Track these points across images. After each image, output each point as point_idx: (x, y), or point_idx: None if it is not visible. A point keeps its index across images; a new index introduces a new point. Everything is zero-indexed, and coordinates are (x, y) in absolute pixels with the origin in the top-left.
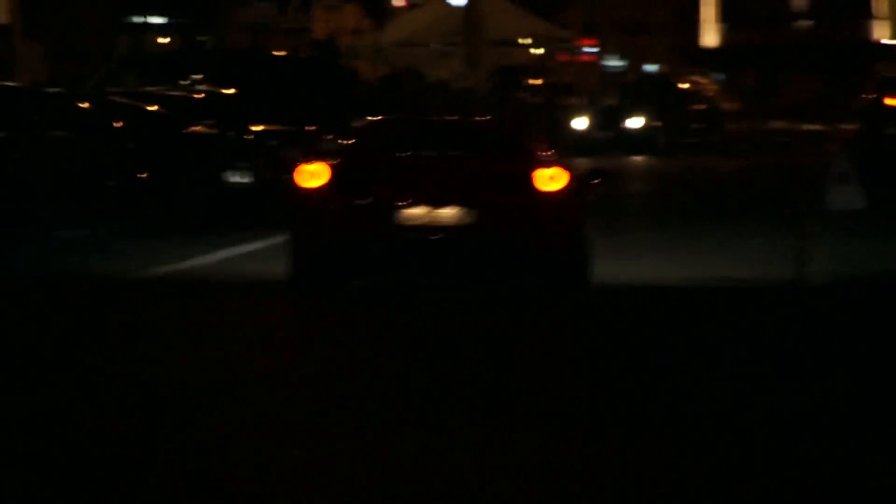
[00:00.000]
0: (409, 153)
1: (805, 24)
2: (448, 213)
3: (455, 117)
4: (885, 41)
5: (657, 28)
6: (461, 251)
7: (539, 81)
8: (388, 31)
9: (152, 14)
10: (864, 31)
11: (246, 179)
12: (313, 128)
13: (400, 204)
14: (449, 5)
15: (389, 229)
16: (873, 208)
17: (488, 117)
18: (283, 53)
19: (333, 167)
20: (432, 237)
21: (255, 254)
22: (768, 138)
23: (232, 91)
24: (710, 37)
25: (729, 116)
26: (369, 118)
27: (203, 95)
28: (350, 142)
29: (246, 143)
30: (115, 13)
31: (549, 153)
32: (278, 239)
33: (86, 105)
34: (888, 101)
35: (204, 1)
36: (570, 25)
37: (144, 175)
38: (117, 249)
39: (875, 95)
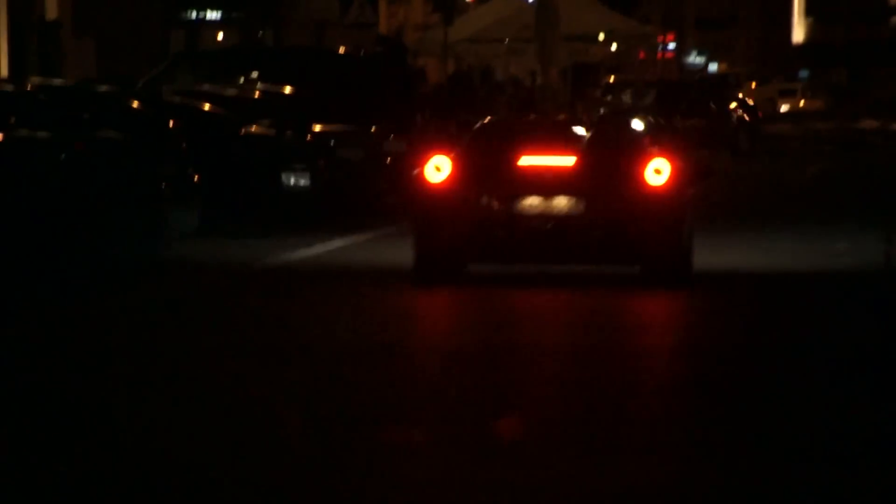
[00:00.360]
0: (523, 149)
1: None
2: (560, 202)
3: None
4: None
5: (742, 23)
6: (572, 239)
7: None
8: (456, 27)
9: (208, 9)
10: None
11: (304, 182)
12: (375, 128)
13: (517, 195)
14: None
15: (508, 218)
16: None
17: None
18: (344, 50)
19: (456, 162)
20: (547, 225)
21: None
22: (856, 137)
23: (290, 90)
24: (797, 32)
25: (812, 116)
26: (485, 121)
27: (260, 94)
28: (470, 139)
29: (305, 143)
30: (169, 8)
31: (660, 147)
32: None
33: (138, 104)
34: None
35: None
36: (651, 20)
37: (198, 178)
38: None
39: None
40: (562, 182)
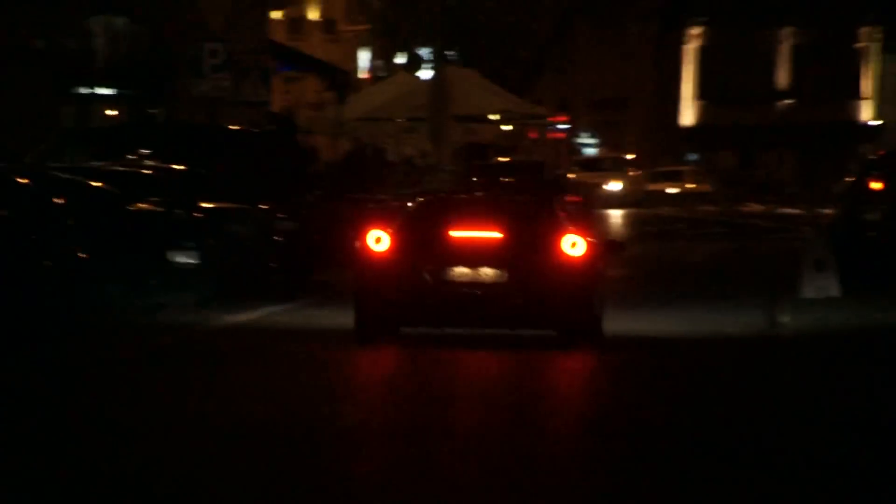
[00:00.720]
0: (454, 223)
1: (787, 103)
2: (486, 272)
3: (490, 195)
4: (871, 122)
5: (633, 105)
6: (496, 305)
7: (507, 159)
8: (350, 106)
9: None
10: (850, 112)
11: (192, 259)
12: (265, 206)
13: (447, 265)
14: (415, 78)
15: (439, 286)
16: (848, 297)
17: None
18: (237, 128)
19: (394, 234)
20: (474, 293)
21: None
22: (742, 221)
23: (180, 167)
24: (687, 115)
25: (698, 198)
26: (421, 198)
27: (150, 171)
28: (407, 214)
29: (194, 221)
30: (60, 83)
31: (573, 222)
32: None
33: (24, 180)
34: (872, 185)
35: (155, 72)
36: (543, 101)
37: (84, 255)
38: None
39: (858, 178)
40: (488, 254)
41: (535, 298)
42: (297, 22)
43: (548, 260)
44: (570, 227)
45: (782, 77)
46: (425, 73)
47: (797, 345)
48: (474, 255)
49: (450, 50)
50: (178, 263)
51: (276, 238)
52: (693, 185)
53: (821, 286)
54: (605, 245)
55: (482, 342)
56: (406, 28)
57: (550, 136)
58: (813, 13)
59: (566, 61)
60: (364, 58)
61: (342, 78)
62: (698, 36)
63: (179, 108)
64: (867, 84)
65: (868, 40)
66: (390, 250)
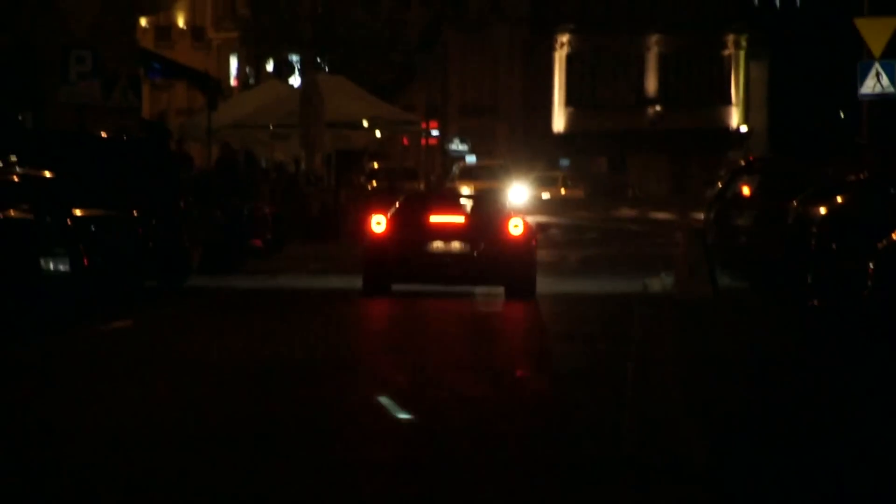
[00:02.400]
0: (432, 211)
1: (656, 109)
2: (455, 245)
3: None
4: (739, 128)
5: (503, 112)
6: (462, 269)
7: (376, 165)
8: (221, 112)
9: None
10: (718, 118)
11: (63, 267)
12: (137, 212)
13: (427, 240)
14: (286, 85)
15: (422, 255)
16: (720, 298)
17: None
18: (106, 135)
19: (389, 219)
20: (447, 260)
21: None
22: (615, 226)
23: (50, 174)
24: (558, 121)
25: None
26: (408, 193)
27: (19, 178)
28: (398, 204)
29: (65, 228)
30: None
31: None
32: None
33: None
34: (741, 190)
35: (23, 78)
36: (415, 108)
37: None
38: None
39: (727, 184)
40: (456, 232)
41: (489, 264)
42: (165, 29)
43: (498, 237)
44: (514, 214)
45: (651, 83)
46: (296, 80)
47: (656, 301)
48: (446, 233)
49: (319, 56)
50: (50, 271)
51: (149, 244)
52: (566, 192)
53: (693, 289)
54: (536, 228)
55: (449, 295)
56: (274, 35)
57: (423, 142)
58: (680, 20)
59: (437, 68)
60: (233, 65)
61: (213, 85)
62: (567, 43)
63: (48, 116)
64: (734, 90)
65: (734, 47)
66: (386, 230)
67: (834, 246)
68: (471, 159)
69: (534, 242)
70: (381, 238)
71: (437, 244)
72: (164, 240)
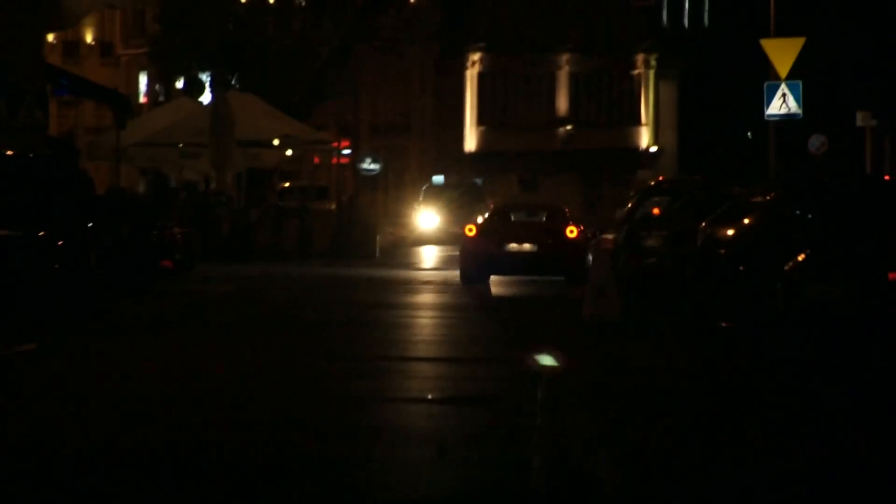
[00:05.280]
0: (511, 219)
1: (567, 129)
2: (527, 246)
3: (533, 203)
4: (650, 148)
5: (415, 131)
6: (533, 263)
7: (287, 184)
8: (130, 130)
9: None
10: (629, 138)
11: None
12: (43, 233)
13: (507, 241)
14: (196, 103)
15: (502, 253)
16: (629, 319)
17: (548, 202)
18: (10, 153)
19: (479, 225)
20: (521, 257)
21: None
22: None
23: None
24: (470, 141)
25: None
26: (494, 205)
27: None
28: (488, 213)
29: None
30: None
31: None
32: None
33: None
34: (651, 211)
35: None
36: (326, 126)
37: None
38: None
39: (636, 203)
40: (527, 236)
41: (552, 259)
42: (73, 45)
43: (559, 238)
44: (571, 222)
45: (562, 103)
46: (206, 98)
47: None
48: (520, 236)
49: (230, 74)
50: None
51: (55, 265)
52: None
53: (601, 309)
54: (586, 233)
55: (523, 284)
56: (184, 51)
57: (335, 161)
58: (590, 40)
59: (348, 86)
60: (143, 82)
61: (121, 102)
62: (478, 61)
63: None
64: (644, 110)
65: (644, 67)
66: (476, 234)
67: (742, 267)
68: (438, 180)
69: (584, 242)
70: (472, 240)
71: (513, 245)
72: (71, 261)
